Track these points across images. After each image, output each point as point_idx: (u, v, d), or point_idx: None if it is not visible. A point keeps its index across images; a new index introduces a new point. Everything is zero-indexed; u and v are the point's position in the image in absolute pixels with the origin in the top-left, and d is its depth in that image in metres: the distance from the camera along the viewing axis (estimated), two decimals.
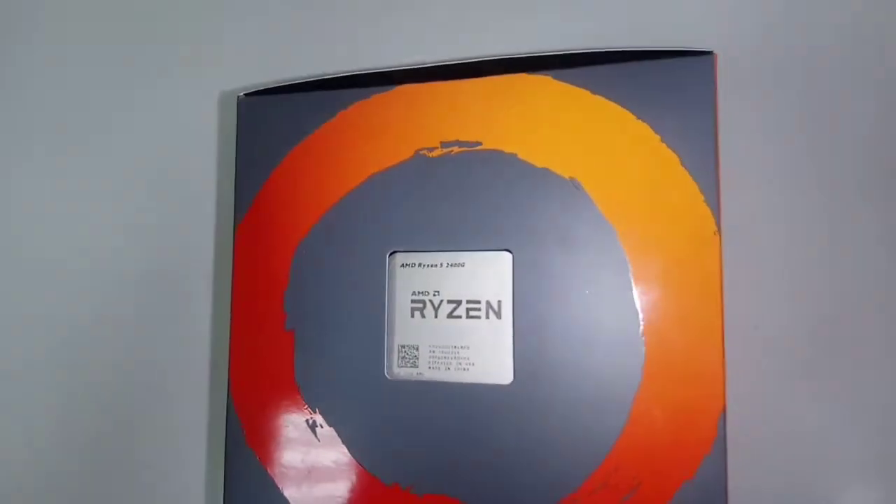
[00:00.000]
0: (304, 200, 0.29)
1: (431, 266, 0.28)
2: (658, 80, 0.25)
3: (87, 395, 0.34)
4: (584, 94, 0.26)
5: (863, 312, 0.26)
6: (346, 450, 0.27)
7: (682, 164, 0.24)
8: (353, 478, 0.27)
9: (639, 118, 0.25)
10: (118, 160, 0.35)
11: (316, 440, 0.28)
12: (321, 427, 0.28)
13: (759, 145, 0.27)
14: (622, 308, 0.24)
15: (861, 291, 0.26)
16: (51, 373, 0.35)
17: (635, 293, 0.24)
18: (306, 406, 0.28)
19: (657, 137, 0.25)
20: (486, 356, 0.26)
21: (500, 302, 0.26)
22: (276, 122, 0.30)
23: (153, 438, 0.33)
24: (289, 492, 0.28)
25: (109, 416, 0.34)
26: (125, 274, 0.34)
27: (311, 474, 0.28)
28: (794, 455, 0.26)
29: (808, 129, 0.27)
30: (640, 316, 0.24)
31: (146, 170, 0.35)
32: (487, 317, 0.26)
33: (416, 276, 0.28)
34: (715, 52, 0.25)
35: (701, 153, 0.24)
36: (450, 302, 0.27)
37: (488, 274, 0.27)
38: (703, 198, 0.24)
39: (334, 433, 0.28)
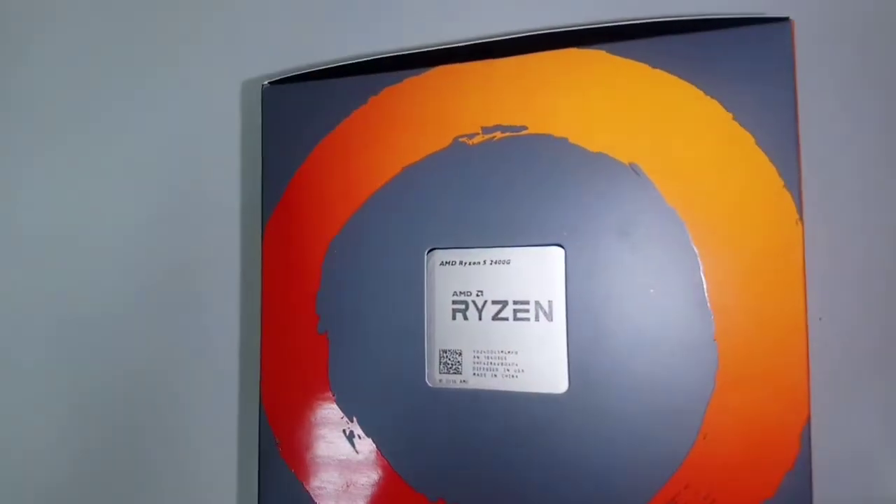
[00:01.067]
0: (335, 195, 0.27)
1: (474, 264, 0.25)
2: (728, 51, 0.22)
3: (107, 407, 0.33)
4: (643, 68, 0.23)
5: None
6: (387, 463, 0.25)
7: (758, 144, 0.22)
8: (396, 493, 0.25)
9: (707, 94, 0.22)
10: (135, 157, 0.33)
11: (354, 452, 0.26)
12: (359, 437, 0.26)
13: (841, 122, 0.24)
14: (692, 309, 0.22)
15: None
16: (67, 379, 0.34)
17: (707, 292, 0.22)
18: (342, 415, 0.26)
19: (729, 116, 0.22)
20: (537, 362, 0.24)
21: (550, 302, 0.24)
22: (304, 111, 0.28)
23: (181, 452, 0.32)
24: None
25: (133, 428, 0.33)
26: (147, 277, 0.33)
27: (350, 489, 0.26)
28: (883, 468, 0.23)
29: None
30: (713, 317, 0.22)
31: (165, 167, 0.33)
32: (537, 319, 0.24)
33: (458, 274, 0.26)
34: (791, 18, 0.22)
35: (779, 132, 0.21)
36: (495, 303, 0.25)
37: (537, 272, 0.24)
38: (782, 182, 0.21)
39: (373, 445, 0.26)
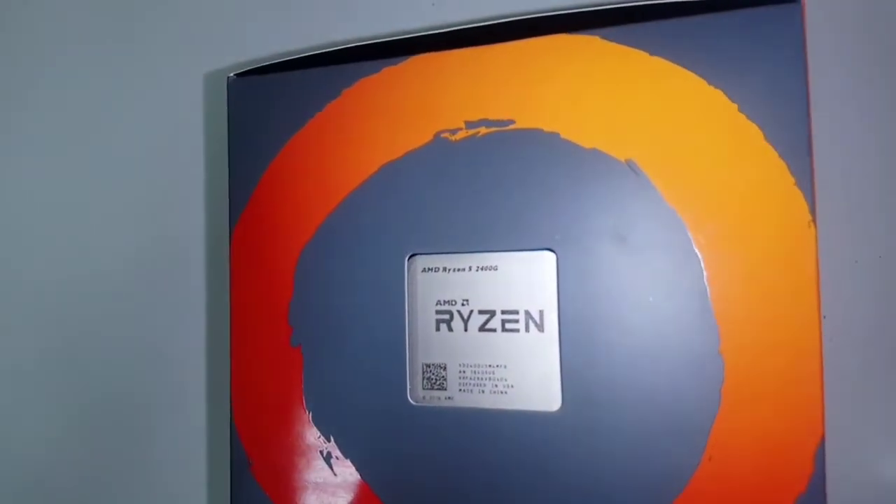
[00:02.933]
0: (307, 197, 0.25)
1: (458, 270, 0.23)
2: (732, 35, 0.20)
3: (66, 427, 0.31)
4: (640, 56, 0.21)
5: None
6: (367, 486, 0.24)
7: (766, 138, 0.20)
8: None
9: (710, 83, 0.20)
10: (93, 157, 0.31)
11: (332, 474, 0.24)
12: (337, 459, 0.24)
13: (856, 113, 0.22)
14: (695, 318, 0.20)
15: None
16: (36, 391, 0.32)
17: (710, 300, 0.20)
18: (319, 434, 0.24)
19: (734, 106, 0.20)
20: (528, 377, 0.22)
21: (542, 312, 0.22)
22: (272, 105, 0.26)
23: (147, 474, 0.30)
24: None
25: (92, 452, 0.30)
26: (106, 282, 0.30)
27: None
28: None
29: None
30: (718, 328, 0.20)
31: (125, 167, 0.31)
32: (527, 329, 0.22)
33: (441, 282, 0.24)
34: None
35: (790, 124, 0.20)
36: (481, 312, 0.23)
37: (527, 278, 0.22)
38: (793, 180, 0.19)
39: (352, 466, 0.24)
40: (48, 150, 0.32)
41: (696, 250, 0.20)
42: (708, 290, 0.20)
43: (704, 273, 0.20)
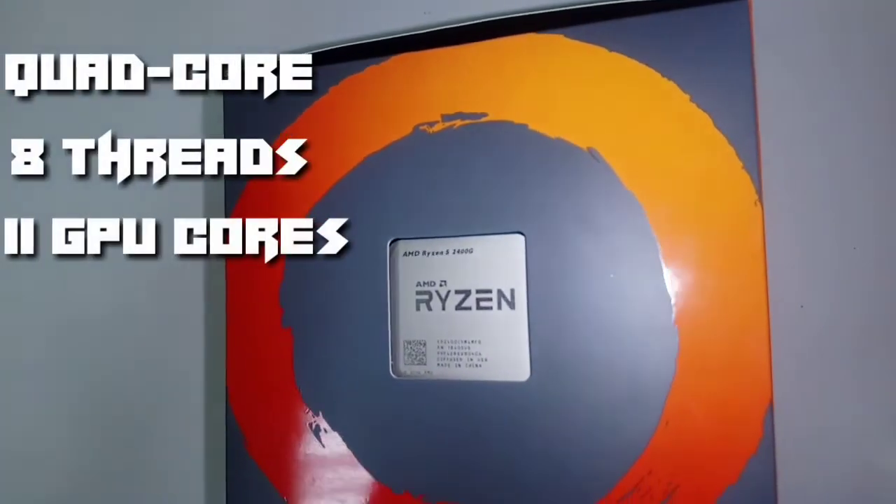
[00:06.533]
0: (297, 186, 0.27)
1: (437, 254, 0.25)
2: (685, 31, 0.22)
3: (70, 406, 0.33)
4: (600, 52, 0.23)
5: None
6: (353, 456, 0.25)
7: (716, 125, 0.21)
8: (361, 486, 0.25)
9: (664, 76, 0.22)
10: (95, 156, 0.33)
11: (321, 446, 0.26)
12: (325, 431, 0.26)
13: (800, 101, 0.24)
14: (651, 293, 0.21)
15: None
16: (39, 376, 0.33)
17: (666, 276, 0.21)
18: (308, 409, 0.26)
19: (686, 97, 0.22)
20: (500, 351, 0.24)
21: (513, 290, 0.24)
22: (267, 102, 0.28)
23: (147, 450, 0.31)
24: (290, 498, 0.26)
25: (97, 427, 0.32)
26: (110, 271, 0.32)
27: (317, 482, 0.26)
28: (848, 453, 0.23)
29: (858, 81, 0.23)
30: (672, 301, 0.21)
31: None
32: (500, 307, 0.24)
33: (421, 265, 0.25)
34: None
35: (737, 112, 0.21)
36: (458, 292, 0.25)
37: (499, 260, 0.24)
38: (741, 164, 0.21)
39: (339, 438, 0.25)
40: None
41: (653, 231, 0.22)
42: (663, 267, 0.21)
43: (660, 251, 0.21)
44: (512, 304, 0.24)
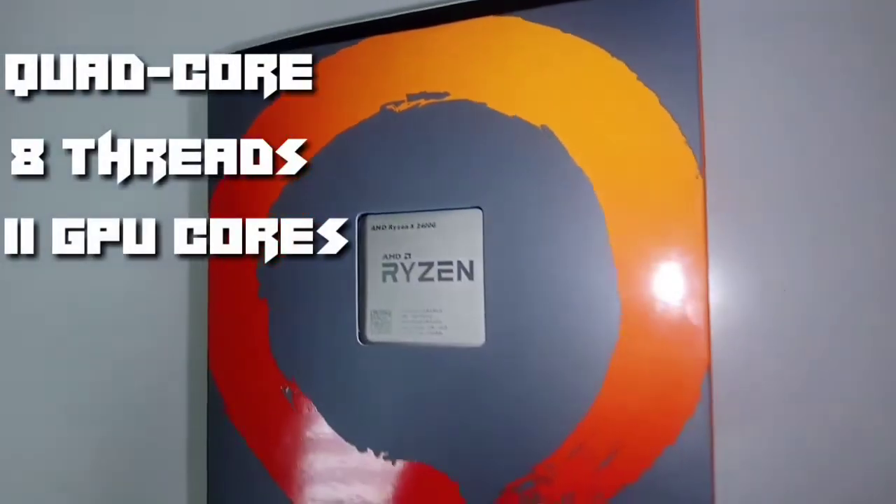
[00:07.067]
0: (274, 164, 0.28)
1: (402, 228, 0.26)
2: (634, 13, 0.23)
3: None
4: (555, 33, 0.24)
5: (863, 257, 0.23)
6: (321, 418, 0.27)
7: (662, 103, 0.22)
8: (329, 445, 0.26)
9: (614, 56, 0.23)
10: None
11: (293, 409, 0.27)
12: (297, 395, 0.27)
13: (742, 80, 0.25)
14: (597, 262, 0.22)
15: (861, 234, 0.24)
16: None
17: (611, 246, 0.22)
18: (282, 375, 0.28)
19: (633, 76, 0.23)
20: (459, 318, 0.25)
21: (472, 262, 0.25)
22: (247, 84, 0.29)
23: (132, 415, 0.33)
24: (267, 461, 0.27)
25: (84, 392, 0.34)
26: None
27: (289, 442, 0.27)
28: (785, 413, 0.24)
29: (803, 60, 0.24)
30: (617, 271, 0.22)
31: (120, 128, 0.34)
32: (459, 278, 0.25)
33: (388, 238, 0.27)
34: None
35: (682, 91, 0.22)
36: (421, 264, 0.26)
37: (460, 234, 0.25)
38: (684, 139, 0.22)
39: (310, 401, 0.27)
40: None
41: (599, 203, 0.23)
42: (608, 237, 0.22)
43: (605, 223, 0.23)
44: (471, 276, 0.25)
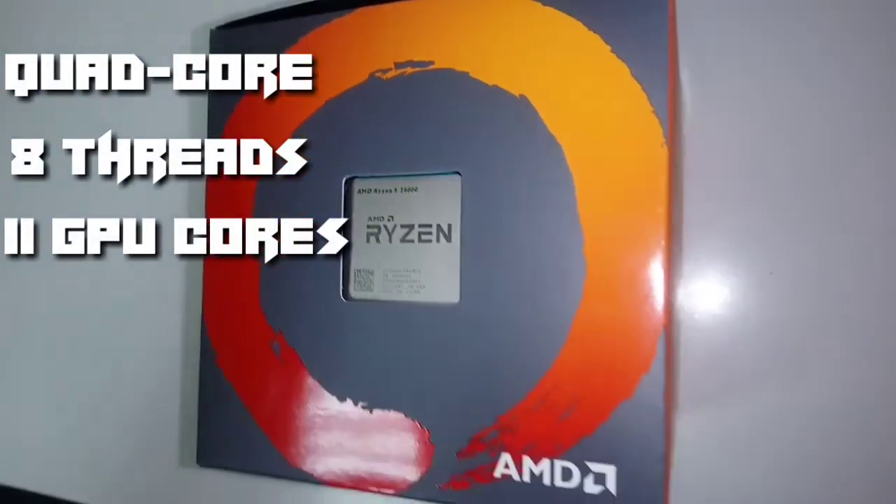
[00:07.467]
0: (267, 127, 0.29)
1: (386, 192, 0.28)
2: None
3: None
4: (534, 6, 0.25)
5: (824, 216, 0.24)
6: (305, 369, 0.28)
7: (633, 74, 0.23)
8: (311, 395, 0.28)
9: (589, 29, 0.24)
10: (91, 110, 0.36)
11: (279, 361, 0.29)
12: (284, 348, 0.29)
13: (715, 53, 0.26)
14: (565, 224, 0.24)
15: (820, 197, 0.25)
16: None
17: (578, 210, 0.24)
18: (271, 329, 0.29)
19: (607, 48, 0.24)
20: (436, 278, 0.26)
21: (450, 225, 0.26)
22: (245, 52, 0.30)
23: (131, 362, 0.35)
24: (253, 408, 0.29)
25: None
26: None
27: (273, 391, 0.29)
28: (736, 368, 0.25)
29: (794, 51, 0.25)
30: (583, 232, 0.23)
31: (119, 115, 0.35)
32: (438, 240, 0.26)
33: (372, 201, 0.28)
34: None
35: (652, 63, 0.23)
36: (403, 226, 0.27)
37: (440, 198, 0.26)
38: (652, 109, 0.23)
39: (295, 354, 0.28)
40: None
41: (569, 168, 0.24)
42: (577, 200, 0.24)
43: (575, 188, 0.24)
44: (448, 238, 0.26)
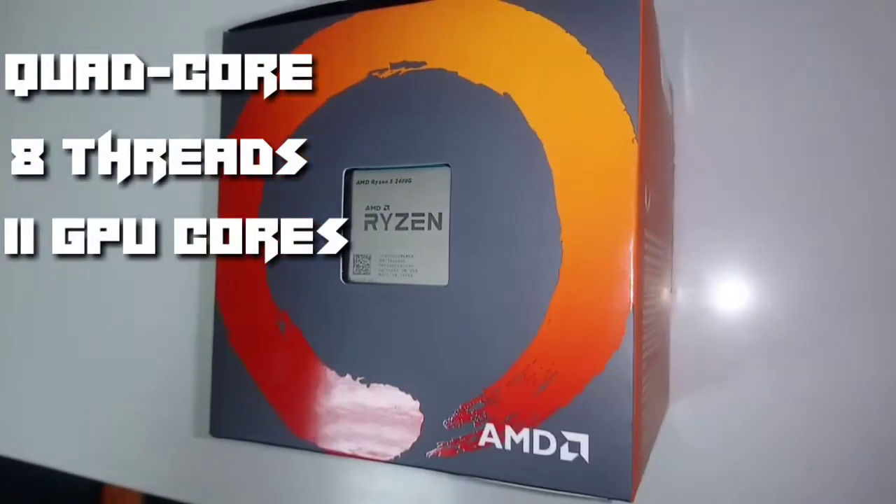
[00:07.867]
0: (276, 121, 0.32)
1: (382, 182, 0.30)
2: None
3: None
4: (518, 11, 0.27)
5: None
6: (308, 345, 0.31)
7: (606, 74, 0.25)
8: (313, 370, 0.30)
9: (567, 31, 0.26)
10: (106, 111, 0.38)
11: (284, 337, 0.31)
12: (288, 326, 0.31)
13: (689, 53, 0.27)
14: (544, 213, 0.26)
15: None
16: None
17: (557, 201, 0.26)
18: (277, 309, 0.32)
19: (583, 49, 0.25)
20: (427, 262, 0.28)
21: (440, 214, 0.28)
22: (255, 53, 0.33)
23: (151, 339, 0.37)
24: (261, 382, 0.32)
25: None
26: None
27: (278, 366, 0.31)
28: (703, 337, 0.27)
29: (781, 55, 0.27)
30: (560, 221, 0.25)
31: (134, 113, 0.37)
32: (430, 228, 0.29)
33: (370, 192, 0.30)
34: None
35: (625, 63, 0.25)
36: (398, 215, 0.29)
37: (432, 188, 0.29)
38: (623, 106, 0.25)
39: (299, 331, 0.31)
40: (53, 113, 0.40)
41: (549, 162, 0.26)
42: (555, 192, 0.26)
43: (553, 180, 0.26)
44: (439, 226, 0.28)
